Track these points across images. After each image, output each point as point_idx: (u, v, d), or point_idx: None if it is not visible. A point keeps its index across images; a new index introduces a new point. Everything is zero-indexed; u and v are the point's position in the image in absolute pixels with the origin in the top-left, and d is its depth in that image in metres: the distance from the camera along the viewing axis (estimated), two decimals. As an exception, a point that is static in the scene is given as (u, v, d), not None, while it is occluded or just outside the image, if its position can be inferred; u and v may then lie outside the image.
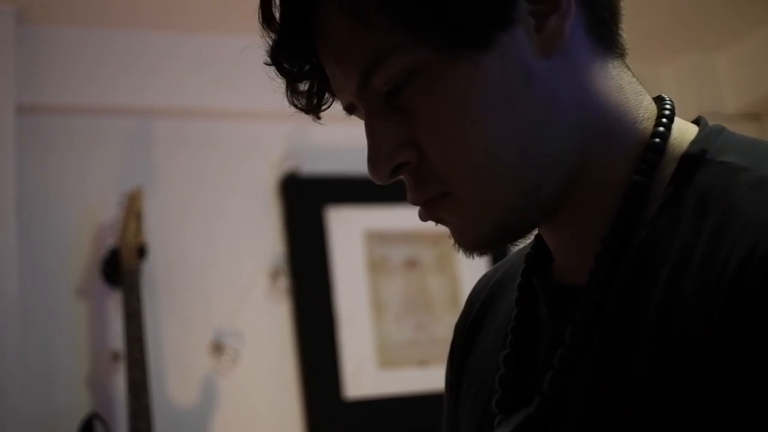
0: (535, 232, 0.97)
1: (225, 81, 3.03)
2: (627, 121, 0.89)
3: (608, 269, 0.85)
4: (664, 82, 3.77)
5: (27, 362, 2.68)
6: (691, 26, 3.57)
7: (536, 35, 0.84)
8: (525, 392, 0.93)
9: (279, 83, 0.93)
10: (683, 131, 0.90)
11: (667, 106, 0.92)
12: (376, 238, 3.21)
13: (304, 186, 3.18)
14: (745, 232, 0.73)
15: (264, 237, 3.12)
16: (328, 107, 0.95)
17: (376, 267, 3.20)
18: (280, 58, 0.90)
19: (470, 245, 0.90)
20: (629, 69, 0.94)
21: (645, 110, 0.91)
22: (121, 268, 2.73)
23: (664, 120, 0.90)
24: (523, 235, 0.91)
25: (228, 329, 2.98)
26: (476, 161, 0.84)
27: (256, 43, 0.92)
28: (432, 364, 3.09)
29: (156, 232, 2.92)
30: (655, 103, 0.94)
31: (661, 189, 0.85)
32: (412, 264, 3.23)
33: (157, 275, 2.92)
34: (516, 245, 0.94)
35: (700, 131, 0.89)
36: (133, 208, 2.79)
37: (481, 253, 0.91)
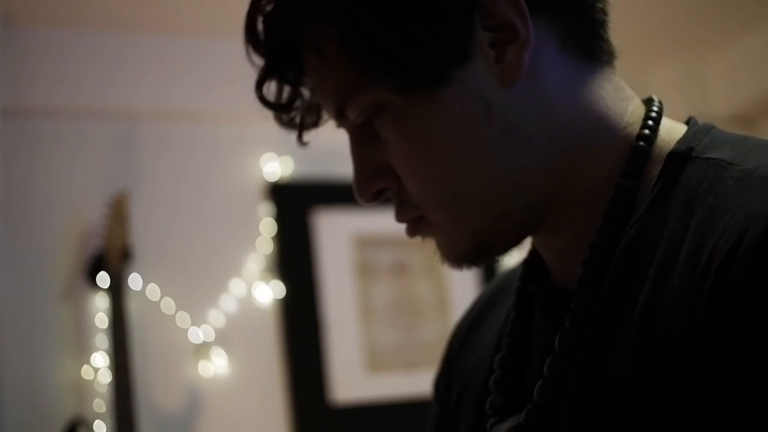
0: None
1: (211, 84, 3.02)
2: (609, 130, 0.90)
3: (597, 274, 0.85)
4: (653, 87, 3.77)
5: (11, 365, 2.66)
6: (680, 31, 3.58)
7: (496, 66, 0.85)
8: (519, 395, 0.94)
9: (269, 90, 0.95)
10: (671, 131, 0.91)
11: (654, 108, 0.93)
12: (365, 243, 3.20)
13: (292, 190, 3.17)
14: (731, 225, 0.73)
15: (251, 240, 3.10)
16: (316, 125, 0.99)
17: (365, 271, 3.19)
18: (267, 81, 0.93)
19: (453, 260, 0.94)
20: (616, 74, 0.94)
21: (630, 115, 0.92)
22: (106, 271, 2.72)
23: (650, 122, 0.90)
24: (503, 252, 0.94)
25: (213, 333, 2.96)
26: (442, 193, 0.88)
27: (242, 46, 0.92)
28: (420, 368, 3.08)
29: (141, 236, 2.90)
30: (645, 104, 0.95)
31: (648, 189, 0.86)
32: (400, 268, 3.22)
33: (143, 278, 2.90)
34: (501, 259, 0.97)
35: (688, 130, 0.90)
36: (118, 211, 2.77)
37: (467, 267, 0.94)
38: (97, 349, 2.79)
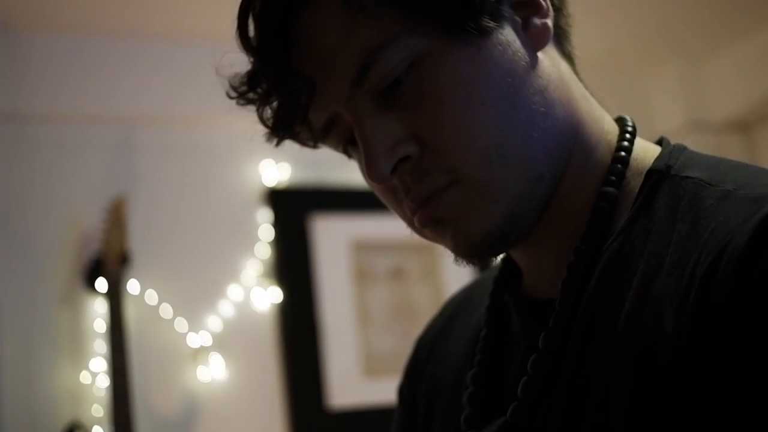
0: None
1: (209, 90, 3.01)
2: (597, 130, 0.93)
3: (581, 278, 0.87)
4: (651, 92, 3.78)
5: (9, 370, 2.66)
6: (677, 37, 3.58)
7: (523, 32, 0.89)
8: (494, 408, 0.95)
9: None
10: (645, 149, 0.93)
11: (629, 125, 0.95)
12: (362, 248, 3.20)
13: (290, 195, 3.17)
14: (711, 240, 0.75)
15: (249, 246, 3.10)
16: (303, 127, 0.94)
17: (362, 276, 3.19)
18: (257, 74, 0.90)
19: (471, 245, 0.90)
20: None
21: (608, 124, 0.95)
22: (104, 276, 2.72)
23: (628, 135, 0.93)
24: (518, 238, 0.91)
25: (211, 338, 2.96)
26: (486, 143, 0.85)
27: (241, 53, 0.92)
28: (417, 373, 3.08)
29: (140, 241, 2.90)
30: (617, 122, 0.97)
31: (628, 201, 0.88)
32: (397, 273, 3.22)
33: (141, 283, 2.90)
34: (514, 246, 0.95)
35: (663, 149, 0.92)
36: (116, 216, 2.78)
37: (479, 258, 0.91)
38: (95, 354, 2.79)
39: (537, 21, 0.89)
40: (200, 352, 2.94)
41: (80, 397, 2.76)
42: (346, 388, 3.05)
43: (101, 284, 2.74)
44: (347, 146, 0.94)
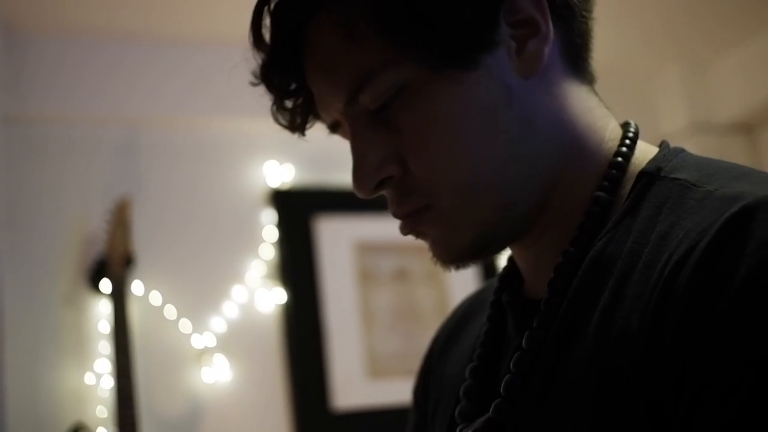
0: (509, 252, 1.03)
1: (213, 90, 3.03)
2: (595, 141, 0.94)
3: (566, 279, 0.89)
4: (655, 95, 3.78)
5: (14, 371, 2.66)
6: (682, 38, 3.58)
7: (517, 57, 0.89)
8: (488, 402, 0.96)
9: (267, 99, 0.96)
10: (645, 152, 0.94)
11: (632, 130, 0.97)
12: (366, 249, 3.20)
13: (294, 196, 3.17)
14: (684, 239, 0.77)
15: (253, 247, 3.11)
16: (311, 126, 0.99)
17: (366, 277, 3.19)
18: (269, 76, 0.93)
19: (450, 258, 0.95)
20: (597, 95, 0.98)
21: (611, 132, 0.96)
22: (108, 277, 2.72)
23: (628, 141, 0.94)
24: (499, 249, 0.96)
25: (215, 339, 2.97)
26: (458, 175, 0.89)
27: (246, 52, 0.94)
28: (421, 375, 3.08)
29: (144, 242, 2.90)
30: (622, 127, 0.98)
31: (620, 203, 0.90)
32: (401, 275, 3.22)
33: (145, 284, 2.91)
34: (493, 257, 0.99)
35: (659, 152, 0.94)
36: (120, 218, 2.78)
37: (459, 267, 0.96)
38: (99, 355, 2.79)
39: (532, 46, 0.89)
40: (204, 353, 2.94)
41: (84, 398, 2.77)
42: (350, 389, 3.05)
43: (105, 285, 2.74)
44: None
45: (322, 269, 3.14)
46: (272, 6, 0.91)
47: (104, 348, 2.78)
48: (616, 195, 0.91)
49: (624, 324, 0.78)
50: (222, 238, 3.08)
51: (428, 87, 0.87)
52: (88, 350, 2.81)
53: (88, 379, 2.78)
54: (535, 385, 0.86)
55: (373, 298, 3.19)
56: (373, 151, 0.91)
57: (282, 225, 3.14)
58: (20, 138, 2.89)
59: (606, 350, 0.79)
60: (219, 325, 2.99)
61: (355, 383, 3.07)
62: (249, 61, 0.94)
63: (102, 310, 2.82)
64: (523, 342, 0.89)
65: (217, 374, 2.94)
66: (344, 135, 0.97)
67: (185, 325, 2.94)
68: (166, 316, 2.93)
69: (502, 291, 1.05)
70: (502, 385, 0.89)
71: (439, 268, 0.98)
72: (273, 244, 3.12)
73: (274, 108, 0.97)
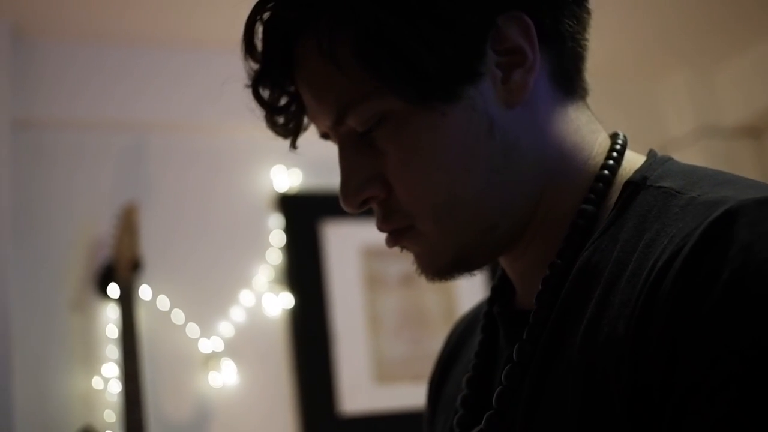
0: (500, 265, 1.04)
1: (221, 96, 3.02)
2: (581, 159, 0.95)
3: (553, 291, 0.90)
4: (661, 99, 3.78)
5: (22, 376, 2.66)
6: (687, 42, 3.58)
7: (502, 87, 0.90)
8: (484, 412, 0.97)
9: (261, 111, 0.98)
10: (632, 162, 0.95)
11: (619, 142, 0.97)
12: (373, 254, 3.20)
13: (301, 201, 3.18)
14: (669, 246, 0.77)
15: (260, 252, 3.11)
16: (305, 130, 1.01)
17: (373, 282, 3.20)
18: (259, 87, 0.95)
19: (431, 273, 0.97)
20: (588, 108, 0.99)
21: (599, 146, 0.97)
22: (115, 282, 2.73)
23: (614, 153, 0.95)
24: (481, 266, 0.97)
25: (223, 343, 2.97)
26: (437, 202, 0.91)
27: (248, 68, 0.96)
28: (428, 379, 3.07)
29: (151, 246, 2.91)
30: (610, 138, 0.99)
31: (606, 214, 0.90)
32: (408, 280, 3.22)
33: (152, 289, 2.91)
34: (474, 275, 1.00)
35: (645, 161, 0.95)
36: (128, 222, 2.78)
37: (442, 280, 0.98)
38: (107, 360, 2.80)
39: (518, 76, 0.90)
40: (212, 358, 2.94)
41: (92, 402, 2.77)
42: (357, 394, 3.05)
43: (113, 290, 2.75)
44: None
45: (329, 274, 3.14)
46: (263, 20, 0.92)
47: (112, 352, 2.78)
48: (601, 207, 0.92)
49: (610, 331, 0.78)
50: (229, 243, 3.08)
51: (409, 118, 0.89)
52: (95, 355, 2.81)
53: (96, 383, 2.78)
54: (525, 397, 0.87)
55: (380, 303, 3.19)
56: (358, 171, 0.93)
57: (289, 230, 3.14)
58: (28, 143, 2.89)
59: (591, 357, 0.79)
60: (226, 329, 2.99)
61: (362, 388, 3.07)
62: (254, 67, 0.95)
63: (109, 315, 2.82)
64: (513, 354, 0.90)
65: (224, 379, 2.94)
66: (336, 142, 0.98)
67: (193, 330, 2.95)
68: (174, 321, 2.93)
69: (494, 302, 1.07)
70: (494, 397, 0.91)
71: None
72: (280, 248, 3.12)
73: (268, 117, 0.99)
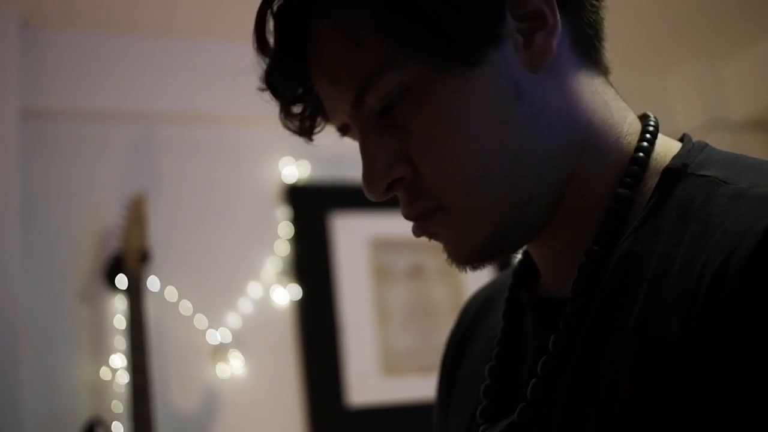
0: (524, 247, 0.99)
1: (229, 87, 3.01)
2: (612, 136, 0.91)
3: (591, 279, 0.87)
4: (670, 92, 3.77)
5: (29, 367, 2.67)
6: (697, 36, 3.57)
7: (524, 51, 0.87)
8: (509, 403, 0.95)
9: (274, 105, 0.96)
10: (667, 147, 0.92)
11: (651, 123, 0.94)
12: (381, 246, 3.20)
13: (309, 193, 3.18)
14: (723, 241, 0.74)
15: (268, 243, 3.11)
16: (321, 130, 0.99)
17: (381, 274, 3.20)
18: (274, 81, 0.93)
19: (463, 258, 0.93)
20: (612, 86, 0.96)
21: (629, 126, 0.93)
22: (124, 273, 2.73)
23: (648, 136, 0.92)
24: (515, 248, 0.94)
25: (231, 335, 2.97)
26: (468, 175, 0.87)
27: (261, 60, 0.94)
28: (436, 371, 3.06)
29: (159, 238, 2.91)
30: (640, 120, 0.96)
31: (644, 201, 0.87)
32: (416, 271, 3.22)
33: (161, 280, 2.91)
34: (510, 259, 0.97)
35: (683, 147, 0.91)
36: (136, 214, 2.79)
37: (474, 267, 0.93)
38: (115, 351, 2.80)
39: (540, 39, 0.87)
40: (220, 349, 2.95)
41: (100, 393, 2.78)
42: (365, 386, 3.06)
43: (121, 281, 2.75)
44: None
45: (337, 266, 3.14)
46: (274, 10, 0.90)
47: (120, 343, 2.79)
48: (638, 192, 0.88)
49: (663, 329, 0.75)
50: (237, 234, 3.08)
51: (433, 86, 0.86)
52: (104, 345, 2.82)
53: (104, 374, 2.79)
54: (564, 391, 0.84)
55: (388, 295, 3.19)
56: (381, 153, 0.89)
57: (297, 221, 3.14)
58: (37, 133, 2.90)
59: (643, 355, 0.76)
60: (234, 321, 3.00)
61: (370, 380, 3.07)
62: (266, 61, 0.94)
63: (118, 306, 2.82)
64: (550, 345, 0.87)
65: (232, 370, 2.94)
66: (354, 137, 0.95)
67: (201, 321, 2.95)
68: (182, 312, 2.93)
69: (516, 287, 1.03)
70: (529, 389, 0.87)
71: (453, 266, 0.96)
72: (288, 240, 3.13)
73: (282, 115, 0.97)
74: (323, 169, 3.18)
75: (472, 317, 1.19)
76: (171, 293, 2.93)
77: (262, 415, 2.97)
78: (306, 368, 3.02)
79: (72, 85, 2.97)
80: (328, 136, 1.02)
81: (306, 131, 0.98)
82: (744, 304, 0.70)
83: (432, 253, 3.16)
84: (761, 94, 3.67)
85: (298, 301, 3.08)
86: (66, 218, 2.88)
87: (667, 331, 0.75)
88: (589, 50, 0.93)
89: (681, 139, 0.94)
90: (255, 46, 0.92)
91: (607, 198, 0.89)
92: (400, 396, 3.06)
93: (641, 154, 0.90)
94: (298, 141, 1.02)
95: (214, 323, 2.97)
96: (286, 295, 3.08)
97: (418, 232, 0.94)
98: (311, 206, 3.17)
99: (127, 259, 2.74)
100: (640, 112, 0.97)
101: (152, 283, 2.88)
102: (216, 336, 2.95)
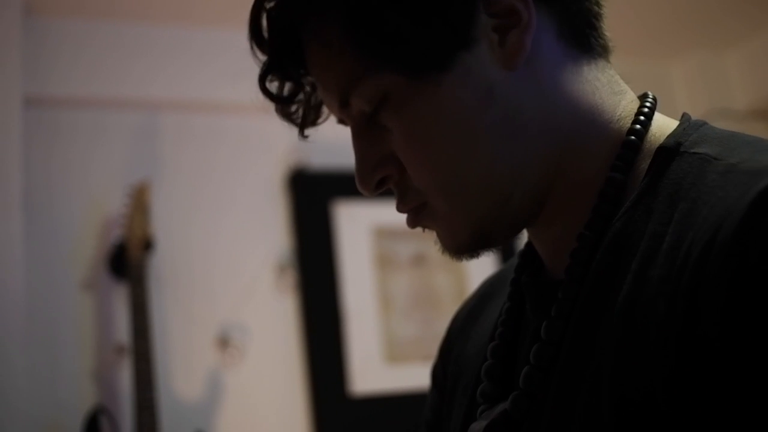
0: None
1: (232, 75, 3.02)
2: (601, 122, 0.91)
3: (583, 264, 0.87)
4: (674, 80, 3.77)
5: (32, 355, 2.67)
6: (700, 24, 3.56)
7: (499, 49, 0.87)
8: (509, 383, 0.95)
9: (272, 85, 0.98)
10: (663, 127, 0.92)
11: (647, 104, 0.94)
12: (384, 234, 3.20)
13: (312, 181, 3.18)
14: (709, 218, 0.74)
15: (271, 231, 3.11)
16: (325, 120, 1.01)
17: (384, 262, 3.20)
18: (269, 78, 0.96)
19: (454, 251, 0.95)
20: (610, 67, 0.95)
21: (623, 109, 0.93)
22: (127, 261, 2.73)
23: (642, 117, 0.91)
24: (503, 240, 0.94)
25: (234, 323, 2.98)
26: (444, 180, 0.89)
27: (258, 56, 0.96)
28: (438, 360, 3.08)
29: (162, 226, 2.92)
30: (639, 100, 0.95)
31: (637, 183, 0.87)
32: (419, 260, 3.22)
33: (164, 268, 2.92)
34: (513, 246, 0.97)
35: (679, 125, 0.91)
36: (139, 202, 2.79)
37: (469, 257, 0.95)
38: (118, 339, 2.80)
39: (513, 37, 0.87)
40: (223, 338, 2.95)
41: (104, 381, 2.78)
42: (368, 374, 3.06)
43: (125, 269, 2.75)
44: None
45: (340, 254, 3.14)
46: (267, 12, 0.92)
47: (123, 332, 2.79)
48: (630, 174, 0.88)
49: (650, 309, 0.75)
50: (241, 222, 3.08)
51: (407, 93, 0.87)
52: (107, 334, 2.82)
53: (108, 362, 2.79)
54: (556, 379, 0.84)
55: (391, 283, 3.19)
56: (370, 151, 0.93)
57: (300, 209, 3.14)
58: (39, 121, 2.90)
59: (631, 338, 0.76)
60: (237, 309, 3.00)
61: (373, 368, 3.08)
62: (250, 50, 0.95)
63: (121, 294, 2.83)
64: (542, 333, 0.87)
65: (235, 358, 2.94)
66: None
67: (204, 309, 2.95)
68: (185, 300, 2.93)
69: (522, 269, 1.04)
70: (521, 377, 0.88)
71: (456, 254, 0.98)
72: (291, 228, 3.12)
73: (280, 109, 1.00)
74: (326, 157, 3.18)
75: (478, 300, 1.20)
76: (174, 281, 2.93)
77: (266, 404, 2.97)
78: (309, 356, 3.02)
79: (74, 73, 2.97)
80: (330, 124, 1.02)
81: (305, 123, 1.01)
82: (729, 283, 0.69)
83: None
84: (764, 83, 3.66)
85: (302, 289, 3.08)
86: (69, 206, 2.88)
87: (653, 312, 0.75)
88: (577, 38, 0.92)
89: (681, 118, 0.94)
90: (250, 41, 0.94)
91: (600, 182, 0.89)
92: (404, 384, 3.06)
93: (632, 137, 0.90)
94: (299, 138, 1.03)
95: (217, 311, 2.97)
96: (289, 283, 3.08)
97: (410, 224, 0.96)
98: (314, 194, 3.17)
99: (130, 247, 2.74)
100: (648, 93, 0.96)
101: (155, 270, 2.88)
102: (219, 324, 2.95)
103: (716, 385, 0.69)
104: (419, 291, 3.21)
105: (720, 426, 0.69)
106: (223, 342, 2.95)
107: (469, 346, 1.13)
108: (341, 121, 0.97)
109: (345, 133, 0.96)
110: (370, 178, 0.93)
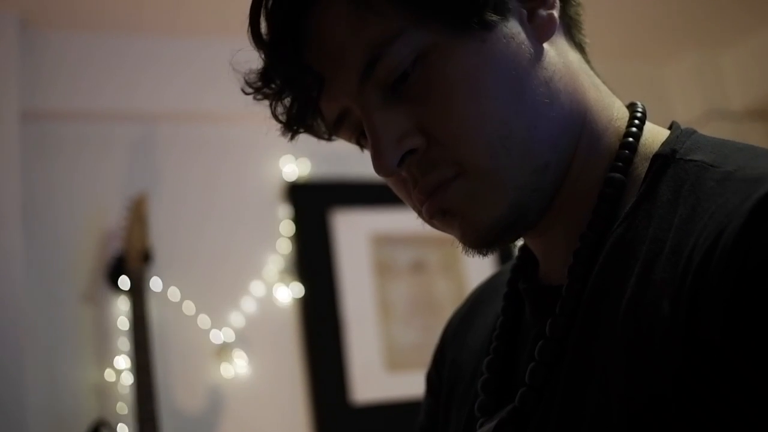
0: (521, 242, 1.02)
1: (230, 86, 3.02)
2: (605, 118, 0.94)
3: (586, 265, 0.88)
4: (669, 81, 3.77)
5: (33, 368, 2.67)
6: (696, 24, 3.57)
7: (529, 24, 0.90)
8: (507, 396, 0.95)
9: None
10: (655, 134, 0.94)
11: (639, 110, 0.96)
12: (383, 241, 3.20)
13: (311, 189, 3.18)
14: (710, 224, 0.75)
15: (270, 241, 3.11)
16: (316, 121, 0.97)
17: (383, 269, 3.20)
18: (268, 77, 0.93)
19: (478, 236, 0.92)
20: (599, 75, 0.99)
21: (618, 110, 0.96)
22: (126, 273, 2.73)
23: (636, 121, 0.94)
24: (529, 225, 0.92)
25: (234, 334, 2.97)
26: (491, 134, 0.87)
27: (255, 49, 0.94)
28: (439, 367, 3.08)
29: (161, 238, 2.91)
30: (628, 108, 0.98)
31: (635, 186, 0.89)
32: (418, 267, 3.22)
33: (163, 280, 2.92)
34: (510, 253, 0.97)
35: (671, 133, 0.93)
36: (138, 214, 2.79)
37: (487, 248, 0.93)
38: (119, 352, 2.80)
39: (543, 12, 0.91)
40: (223, 349, 2.95)
41: (105, 394, 2.78)
42: (369, 382, 3.06)
43: (124, 282, 2.75)
44: (359, 138, 0.97)
45: (339, 262, 3.14)
46: (268, 6, 0.90)
47: (123, 344, 2.79)
48: (628, 177, 0.90)
49: (654, 312, 0.76)
50: (239, 233, 3.08)
51: (450, 49, 0.87)
52: (107, 347, 2.82)
53: (108, 375, 2.79)
54: (562, 373, 0.85)
55: (391, 291, 3.19)
56: (392, 124, 0.89)
57: (298, 219, 3.14)
58: (37, 134, 2.90)
59: (634, 337, 0.77)
60: (237, 320, 3.00)
61: (374, 376, 3.07)
62: (249, 38, 0.93)
63: (121, 307, 2.83)
64: (547, 329, 0.88)
65: (235, 369, 2.94)
66: (347, 135, 0.96)
67: (204, 321, 2.95)
68: (185, 312, 2.93)
69: (515, 281, 1.04)
70: (527, 373, 0.88)
71: (455, 260, 0.97)
72: (290, 238, 3.13)
73: (275, 107, 0.97)
74: (324, 167, 3.18)
75: (470, 306, 1.21)
76: (174, 293, 2.93)
77: (267, 414, 2.97)
78: (310, 365, 3.02)
79: (72, 86, 2.97)
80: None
81: (298, 125, 0.97)
82: (731, 288, 0.70)
83: (434, 247, 3.17)
84: (760, 83, 3.67)
85: (301, 298, 3.08)
86: (68, 220, 2.88)
87: (658, 314, 0.76)
88: (576, 36, 0.97)
89: (670, 128, 0.96)
90: (250, 40, 0.92)
91: (599, 184, 0.91)
92: (404, 392, 3.06)
93: (630, 139, 0.92)
94: (299, 138, 1.02)
95: (217, 322, 2.97)
96: (289, 292, 3.08)
97: (431, 209, 0.92)
98: (312, 203, 3.17)
99: (130, 260, 2.74)
100: (637, 102, 0.99)
101: (155, 283, 2.88)
102: (219, 335, 2.96)
103: (721, 388, 0.70)
104: (419, 298, 3.21)
105: (727, 427, 0.70)
106: (224, 353, 2.94)
107: (464, 353, 1.13)
108: (339, 119, 0.94)
109: (342, 143, 0.95)
110: (394, 153, 0.88)
